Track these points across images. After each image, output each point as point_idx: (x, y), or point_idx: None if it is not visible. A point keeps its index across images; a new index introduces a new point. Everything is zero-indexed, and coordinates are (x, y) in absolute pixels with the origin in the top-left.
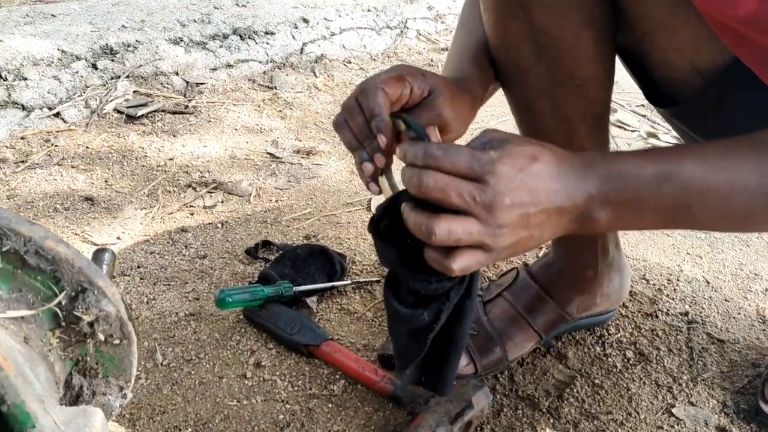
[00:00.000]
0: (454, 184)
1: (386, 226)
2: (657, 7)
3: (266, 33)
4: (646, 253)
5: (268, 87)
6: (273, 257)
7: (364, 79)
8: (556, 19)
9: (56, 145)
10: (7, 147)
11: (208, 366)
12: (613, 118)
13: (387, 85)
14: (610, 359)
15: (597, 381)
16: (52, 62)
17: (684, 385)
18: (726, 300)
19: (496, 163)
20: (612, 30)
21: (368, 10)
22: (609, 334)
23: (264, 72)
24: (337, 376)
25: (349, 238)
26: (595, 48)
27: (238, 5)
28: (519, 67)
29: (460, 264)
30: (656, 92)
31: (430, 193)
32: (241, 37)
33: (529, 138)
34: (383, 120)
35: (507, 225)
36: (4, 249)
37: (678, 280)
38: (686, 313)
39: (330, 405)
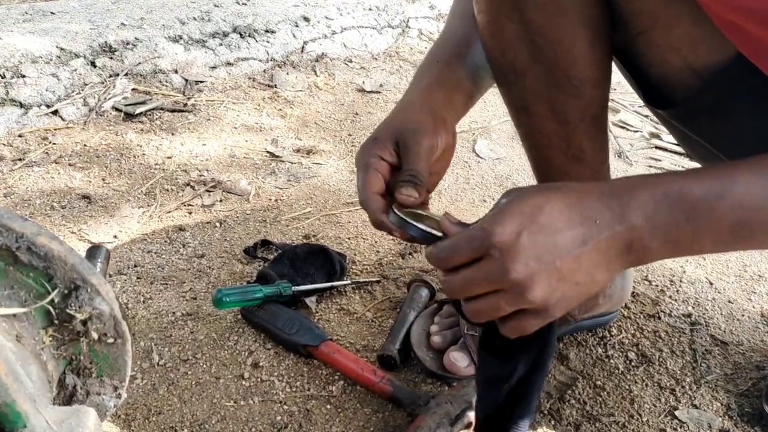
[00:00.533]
0: (468, 277)
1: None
2: (651, 4)
3: (267, 31)
4: None
5: (269, 85)
6: (272, 257)
7: (358, 184)
8: (552, 20)
9: (54, 143)
10: (4, 145)
11: (205, 366)
12: (615, 118)
13: (372, 187)
14: (612, 361)
15: (599, 383)
16: (51, 60)
17: (687, 387)
18: (729, 302)
19: (491, 234)
20: (608, 30)
21: (370, 9)
22: (611, 336)
23: (264, 70)
24: (336, 377)
25: (348, 238)
26: (592, 48)
27: (238, 3)
28: (515, 69)
29: (509, 329)
30: (653, 93)
31: (460, 296)
32: (241, 35)
33: (546, 184)
34: (383, 221)
35: (534, 285)
36: None
37: (681, 281)
38: (689, 315)
39: (328, 406)
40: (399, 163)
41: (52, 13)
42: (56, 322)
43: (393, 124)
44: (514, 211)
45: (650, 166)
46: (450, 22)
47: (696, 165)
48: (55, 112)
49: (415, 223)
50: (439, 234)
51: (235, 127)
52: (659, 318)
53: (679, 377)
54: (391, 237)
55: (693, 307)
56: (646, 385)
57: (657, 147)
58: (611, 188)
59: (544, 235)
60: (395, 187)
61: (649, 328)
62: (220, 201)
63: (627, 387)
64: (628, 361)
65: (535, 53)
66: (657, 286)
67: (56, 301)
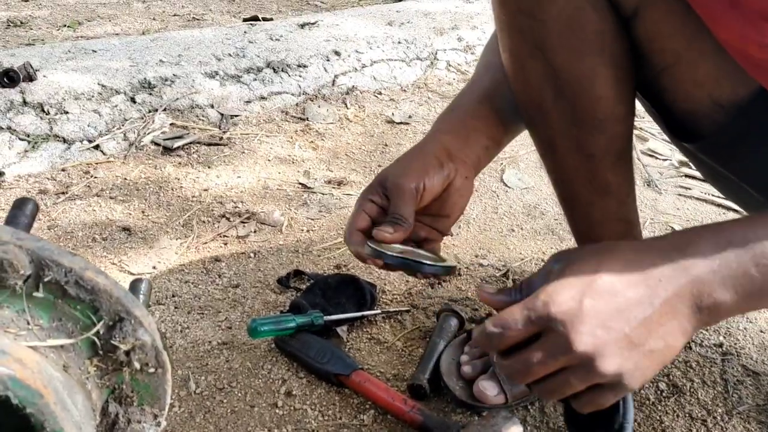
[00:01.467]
0: (531, 359)
1: None
2: (673, 41)
3: (299, 66)
4: None
5: (301, 118)
6: (304, 286)
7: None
8: (575, 59)
9: (95, 177)
10: (48, 179)
11: (239, 395)
12: (644, 146)
13: (357, 223)
14: (642, 391)
15: None
16: (93, 96)
17: (719, 418)
18: (761, 331)
19: (551, 304)
20: (631, 67)
21: (399, 42)
22: None
23: (296, 104)
24: (367, 406)
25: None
26: (615, 86)
27: (271, 39)
28: (540, 106)
29: (585, 404)
30: (678, 127)
31: (526, 380)
32: (274, 70)
33: (597, 245)
34: (359, 253)
35: (605, 356)
36: (45, 279)
37: None
38: (720, 345)
39: None
40: (389, 204)
41: (93, 51)
42: (101, 352)
43: (386, 169)
44: (570, 276)
45: (680, 195)
46: (476, 72)
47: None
48: (97, 147)
49: (388, 252)
50: (422, 261)
51: (269, 160)
52: (690, 348)
53: (711, 408)
54: None
55: (724, 337)
56: (677, 416)
57: (686, 175)
58: (669, 242)
59: (607, 300)
60: (375, 228)
61: (680, 358)
62: (254, 232)
63: (658, 418)
64: (659, 392)
65: (559, 91)
66: None
67: (101, 332)
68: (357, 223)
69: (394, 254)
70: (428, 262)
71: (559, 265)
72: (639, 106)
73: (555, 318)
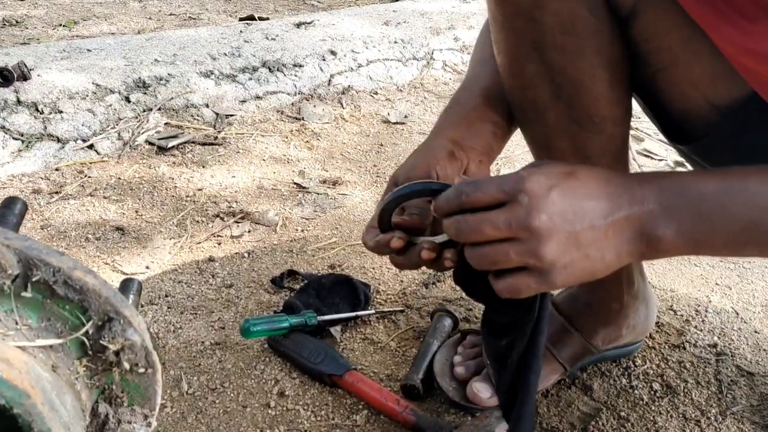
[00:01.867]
0: (487, 218)
1: (462, 264)
2: (669, 41)
3: (294, 65)
4: (674, 283)
5: (296, 118)
6: (298, 287)
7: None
8: (572, 60)
9: (89, 177)
10: (42, 178)
11: (232, 395)
12: (639, 147)
13: (374, 220)
14: (636, 391)
15: (623, 413)
16: (87, 96)
17: (713, 418)
18: (756, 332)
19: (525, 180)
20: (628, 68)
21: (395, 42)
22: (635, 366)
23: (292, 103)
24: (360, 407)
25: (373, 268)
26: (612, 87)
27: (267, 39)
28: (536, 107)
29: (504, 284)
30: (673, 128)
31: (470, 237)
32: (270, 69)
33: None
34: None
35: (551, 240)
36: (34, 279)
37: (706, 311)
38: (715, 345)
39: None
40: None
41: (88, 50)
42: (90, 352)
43: (407, 167)
44: (548, 168)
45: None
46: (471, 69)
47: None
48: (91, 147)
49: (410, 185)
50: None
51: (264, 159)
52: (684, 348)
53: (705, 408)
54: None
55: (719, 338)
56: (671, 416)
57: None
58: (630, 174)
59: (573, 198)
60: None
61: (674, 359)
62: (249, 232)
63: (651, 418)
64: (652, 392)
65: (555, 92)
66: (682, 315)
67: (90, 332)
68: (373, 221)
69: (419, 183)
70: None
71: (540, 162)
72: (635, 106)
73: (525, 191)
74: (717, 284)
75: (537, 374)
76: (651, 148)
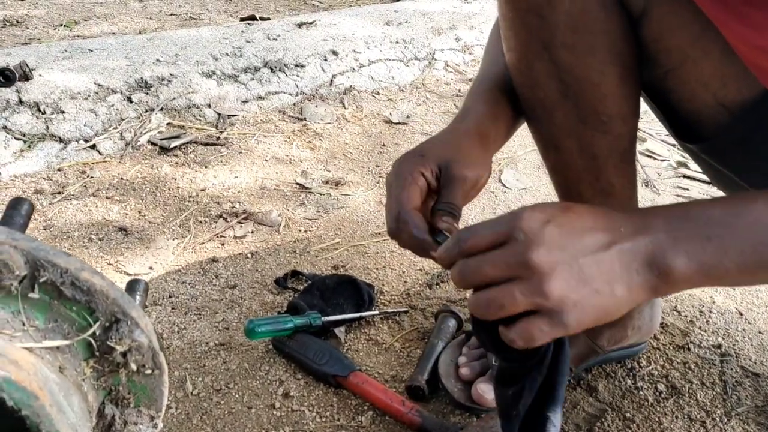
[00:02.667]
0: (486, 258)
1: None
2: (679, 41)
3: (296, 65)
4: None
5: (298, 118)
6: (302, 287)
7: (391, 196)
8: (581, 58)
9: (92, 177)
10: (44, 179)
11: (237, 396)
12: (642, 147)
13: (412, 201)
14: (641, 392)
15: (628, 414)
16: (89, 96)
17: (718, 419)
18: (760, 332)
19: (520, 218)
20: (637, 67)
21: (396, 42)
22: (640, 367)
23: (294, 104)
24: (365, 407)
25: (377, 269)
26: (621, 86)
27: (269, 39)
28: (544, 106)
29: (516, 332)
30: (683, 128)
31: (471, 281)
32: (271, 69)
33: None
34: (427, 240)
35: (554, 275)
36: (41, 280)
37: (710, 311)
38: (719, 346)
39: None
40: (437, 187)
41: (90, 50)
42: (97, 353)
43: (442, 147)
44: (543, 205)
45: (678, 195)
46: (487, 56)
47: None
48: (93, 147)
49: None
50: None
51: (266, 160)
52: (689, 349)
53: (710, 409)
54: (418, 267)
55: (723, 338)
56: (676, 417)
57: (684, 176)
58: (637, 209)
59: (570, 230)
60: (435, 213)
61: (678, 360)
62: (252, 232)
63: (657, 419)
64: (657, 393)
65: (563, 90)
66: (686, 316)
67: (98, 333)
68: (413, 198)
69: None
70: None
71: (531, 205)
72: (641, 106)
73: (520, 228)
74: None
75: (557, 430)
76: (653, 148)
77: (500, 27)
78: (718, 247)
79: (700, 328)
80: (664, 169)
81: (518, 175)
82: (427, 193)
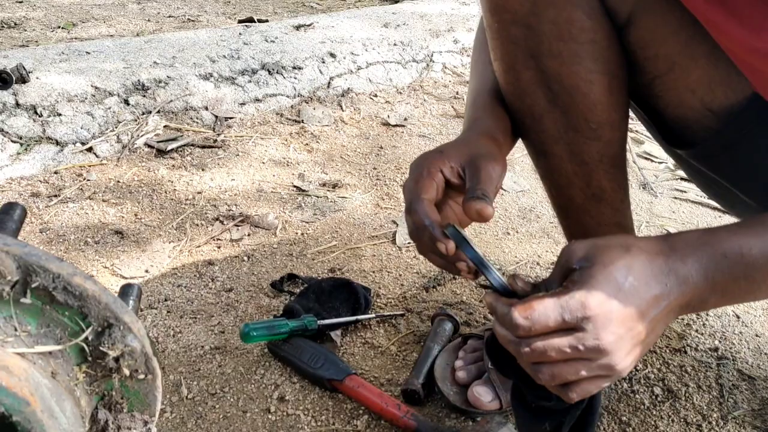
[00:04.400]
0: (553, 345)
1: (502, 351)
2: (667, 48)
3: (294, 68)
4: None
5: (296, 121)
6: (298, 290)
7: (405, 189)
8: (568, 67)
9: (88, 180)
10: (40, 182)
11: (232, 400)
12: (639, 149)
13: (425, 192)
14: (637, 396)
15: (624, 418)
16: (86, 98)
17: (714, 423)
18: (757, 335)
19: (587, 307)
20: (625, 74)
21: (394, 44)
22: (636, 370)
23: (291, 106)
24: (361, 411)
25: (373, 272)
26: (609, 93)
27: (267, 41)
28: (533, 113)
29: (578, 394)
30: (671, 134)
31: (532, 359)
32: (269, 72)
33: (614, 240)
34: (436, 232)
35: (618, 351)
36: (33, 285)
37: (707, 314)
38: (716, 349)
39: None
40: (459, 184)
41: (87, 52)
42: (90, 359)
43: (462, 145)
44: (605, 277)
45: (675, 198)
46: (477, 67)
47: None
48: (90, 149)
49: (473, 246)
50: (493, 271)
51: (263, 162)
52: (685, 352)
53: (706, 413)
54: (415, 271)
55: (720, 341)
56: (673, 420)
57: (682, 178)
58: (672, 247)
59: (630, 302)
60: (468, 200)
61: (675, 363)
62: (248, 235)
63: (653, 423)
64: (653, 397)
65: (552, 99)
66: (683, 319)
67: (90, 338)
68: (427, 190)
69: (478, 252)
70: (497, 273)
71: (586, 265)
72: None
73: (588, 319)
74: None
75: None
76: (651, 150)
77: (487, 37)
78: (752, 283)
79: (696, 331)
80: (662, 171)
81: (516, 178)
82: (445, 191)
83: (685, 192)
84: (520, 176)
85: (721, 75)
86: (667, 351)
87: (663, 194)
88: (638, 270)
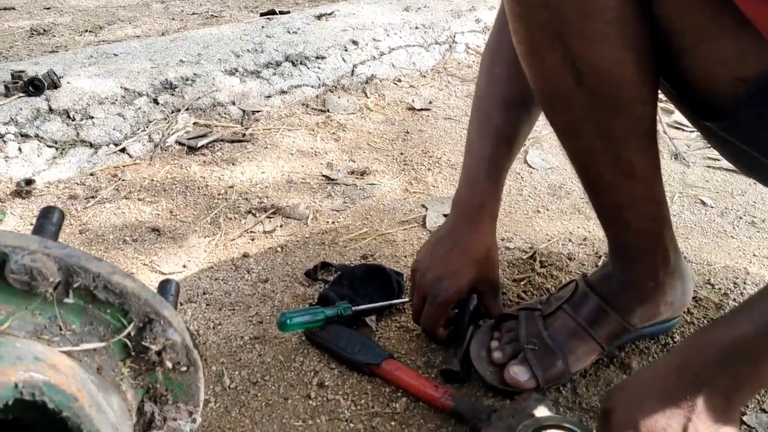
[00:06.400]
0: None
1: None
2: (694, 20)
3: (317, 58)
4: (711, 256)
5: (321, 110)
6: (332, 278)
7: (427, 300)
8: (595, 46)
9: (123, 180)
10: (77, 184)
11: (273, 388)
12: (670, 119)
13: (442, 319)
14: None
15: None
16: (116, 100)
17: None
18: None
19: None
20: (652, 48)
21: (416, 28)
22: (674, 342)
23: (316, 96)
24: (399, 394)
25: (405, 256)
26: (637, 69)
27: (289, 32)
28: (560, 95)
29: None
30: (700, 107)
31: None
32: (293, 63)
33: (637, 381)
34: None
35: None
36: (74, 285)
37: (745, 283)
38: None
39: (393, 423)
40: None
41: (114, 54)
42: (133, 353)
43: (471, 262)
44: (630, 405)
45: (708, 167)
46: (482, 114)
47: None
48: (123, 150)
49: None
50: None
51: (292, 153)
52: None
53: None
54: None
55: None
56: None
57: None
58: (682, 365)
59: (660, 424)
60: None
61: None
62: (281, 226)
63: None
64: None
65: (578, 79)
66: (720, 289)
67: (132, 334)
68: (442, 319)
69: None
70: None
71: (624, 420)
72: None
73: None
74: (755, 255)
75: None
76: (682, 120)
77: (509, 21)
78: (757, 361)
79: (734, 300)
80: (693, 140)
81: (544, 155)
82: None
83: (718, 160)
84: (548, 153)
85: (751, 42)
86: (705, 321)
87: (696, 163)
88: (660, 397)
